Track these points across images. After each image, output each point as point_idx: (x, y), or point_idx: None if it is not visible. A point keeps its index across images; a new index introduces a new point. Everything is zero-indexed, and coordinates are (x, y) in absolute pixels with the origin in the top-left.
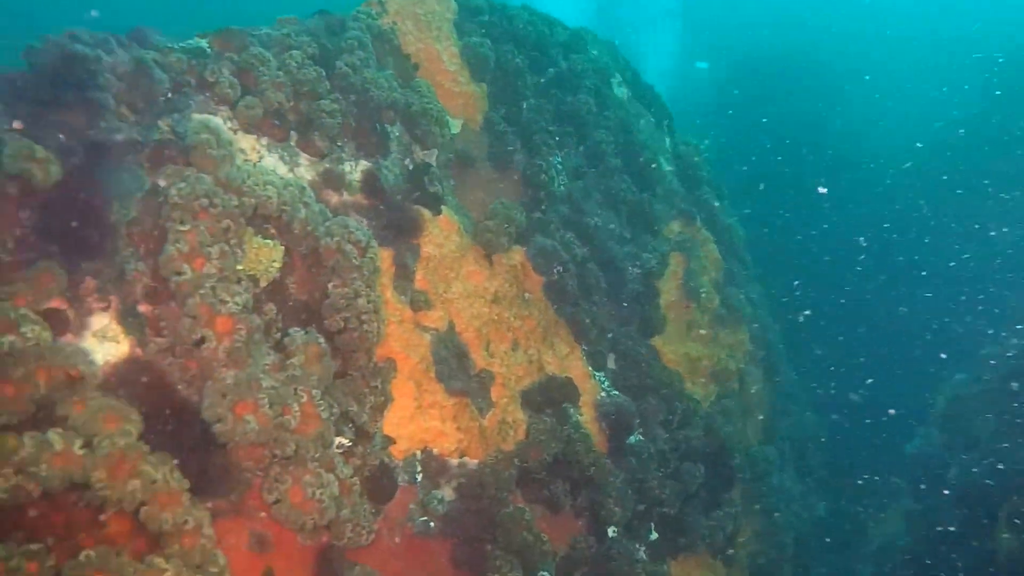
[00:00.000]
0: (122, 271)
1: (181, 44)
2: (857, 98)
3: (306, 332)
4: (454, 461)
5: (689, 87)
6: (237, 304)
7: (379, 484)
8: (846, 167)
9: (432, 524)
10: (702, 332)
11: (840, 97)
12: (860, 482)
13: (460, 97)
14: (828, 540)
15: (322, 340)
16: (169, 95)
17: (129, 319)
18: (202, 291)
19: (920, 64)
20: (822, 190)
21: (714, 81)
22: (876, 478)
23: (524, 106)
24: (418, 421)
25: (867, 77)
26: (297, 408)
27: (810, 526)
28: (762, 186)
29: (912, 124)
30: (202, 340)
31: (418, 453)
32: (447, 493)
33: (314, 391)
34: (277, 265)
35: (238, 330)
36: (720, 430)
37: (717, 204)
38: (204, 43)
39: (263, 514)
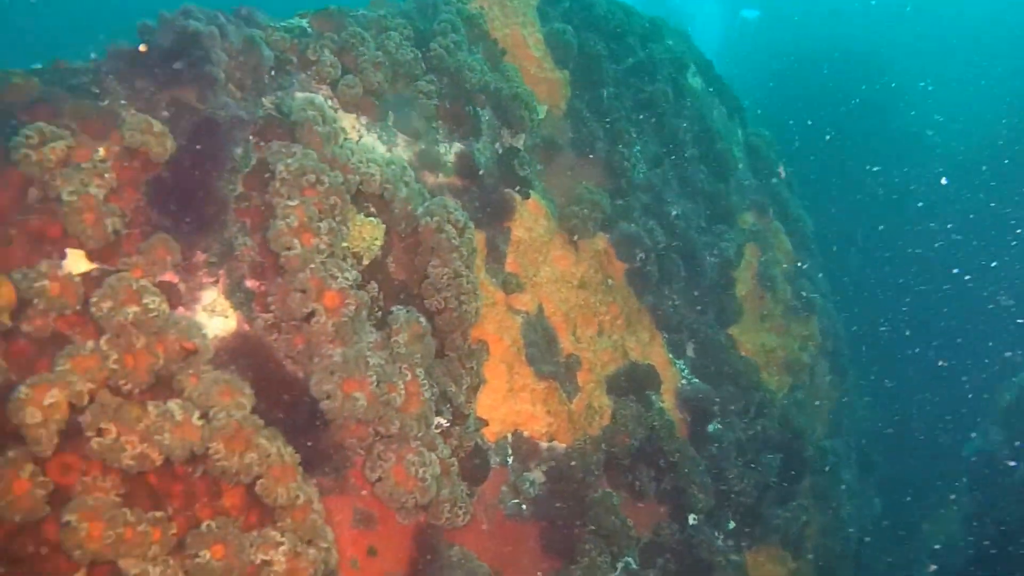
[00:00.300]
0: (230, 246)
1: (283, 23)
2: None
3: (408, 311)
4: (544, 444)
5: (733, 39)
6: (347, 279)
7: (474, 465)
8: (906, 157)
9: (524, 507)
10: (776, 323)
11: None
12: (917, 479)
13: (544, 83)
14: (885, 538)
15: (423, 319)
16: (272, 73)
17: (237, 294)
18: (313, 265)
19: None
20: (944, 181)
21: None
22: (934, 475)
23: (604, 94)
24: (510, 404)
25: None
26: (402, 386)
27: (868, 522)
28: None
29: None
30: (311, 315)
31: (509, 436)
32: (537, 476)
33: (417, 370)
34: (379, 243)
35: (347, 305)
36: (794, 421)
37: (788, 195)
38: (304, 23)
39: (364, 492)
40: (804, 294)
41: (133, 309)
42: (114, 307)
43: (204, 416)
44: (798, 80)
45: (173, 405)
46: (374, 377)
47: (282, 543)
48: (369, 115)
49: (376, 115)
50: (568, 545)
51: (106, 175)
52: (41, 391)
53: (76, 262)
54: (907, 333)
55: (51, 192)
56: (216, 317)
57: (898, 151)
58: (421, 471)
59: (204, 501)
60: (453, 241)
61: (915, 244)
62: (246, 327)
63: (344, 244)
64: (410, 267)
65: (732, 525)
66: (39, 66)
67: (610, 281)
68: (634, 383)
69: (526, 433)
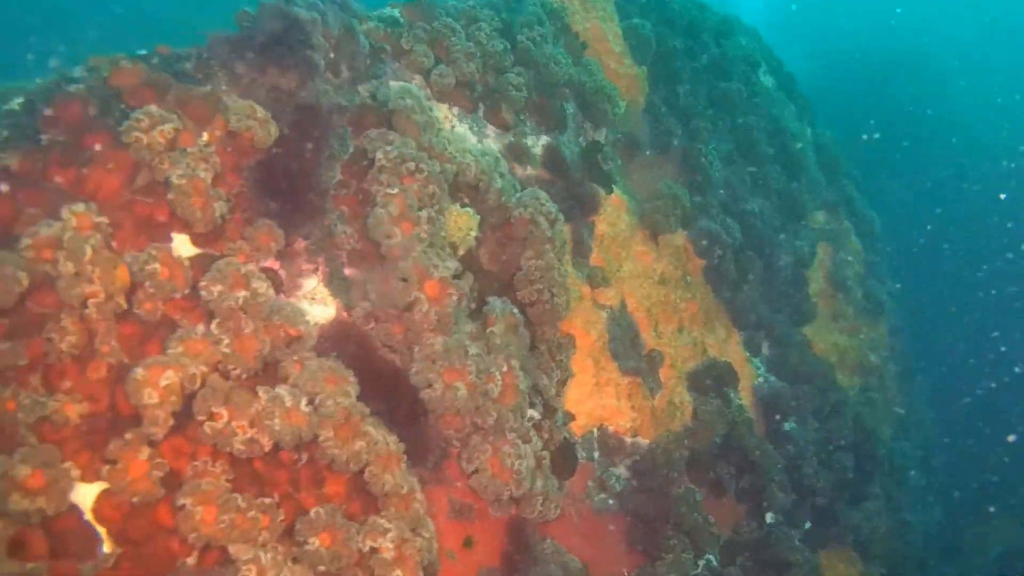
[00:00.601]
0: (330, 233)
1: (376, 12)
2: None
3: (503, 302)
4: (628, 440)
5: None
6: (448, 269)
7: (563, 459)
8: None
9: (610, 502)
10: (848, 323)
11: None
12: (977, 485)
13: (624, 78)
14: (946, 544)
15: (517, 311)
16: (367, 61)
17: (335, 282)
18: (415, 254)
19: None
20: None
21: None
22: (994, 479)
23: (680, 90)
24: (595, 398)
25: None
26: (499, 378)
27: (930, 527)
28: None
29: None
30: (412, 305)
31: (595, 430)
32: (621, 471)
33: (512, 361)
34: (474, 234)
35: (449, 295)
36: (866, 422)
37: (856, 195)
38: (396, 12)
39: (459, 483)
40: (873, 295)
41: (242, 294)
42: (224, 292)
43: (310, 403)
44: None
45: (282, 391)
46: (473, 367)
47: (389, 530)
48: (461, 105)
49: (468, 105)
50: (652, 541)
51: (211, 159)
52: (156, 372)
53: (182, 246)
54: (972, 338)
55: (159, 176)
56: (316, 304)
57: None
58: (517, 463)
59: (308, 489)
60: (546, 233)
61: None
62: (345, 315)
63: (442, 234)
64: (502, 258)
65: (808, 525)
66: (143, 52)
67: (689, 278)
68: (714, 380)
69: (611, 428)
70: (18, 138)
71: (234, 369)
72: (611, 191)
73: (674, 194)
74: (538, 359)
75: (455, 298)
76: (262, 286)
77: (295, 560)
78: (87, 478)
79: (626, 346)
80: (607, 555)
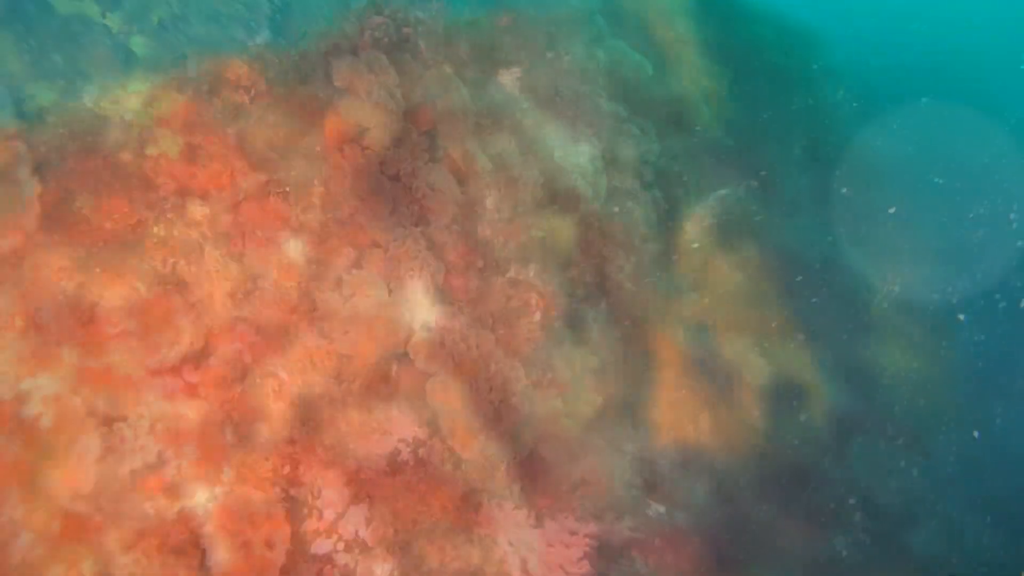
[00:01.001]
0: (435, 239)
1: (476, 17)
2: None
3: (597, 311)
4: (706, 454)
5: None
6: (551, 278)
7: (646, 474)
8: None
9: (686, 518)
10: (915, 341)
11: None
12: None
13: (703, 87)
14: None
15: (611, 320)
16: (470, 65)
17: (440, 289)
18: (520, 263)
19: None
20: None
21: None
22: None
23: (758, 101)
24: (675, 411)
25: None
26: (594, 389)
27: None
28: None
29: None
30: (518, 313)
31: (673, 443)
32: (699, 487)
33: (608, 371)
34: (571, 241)
35: (554, 304)
36: (931, 443)
37: None
38: (495, 18)
39: (546, 496)
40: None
41: (352, 299)
42: (335, 297)
43: (421, 414)
44: None
45: (394, 404)
46: (571, 377)
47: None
48: (558, 112)
49: (564, 112)
50: (729, 559)
51: (326, 161)
52: (273, 381)
53: (295, 247)
54: None
55: (272, 176)
56: (421, 310)
57: None
58: (608, 476)
59: (419, 500)
60: (635, 243)
61: None
62: (449, 323)
63: (543, 241)
64: (596, 266)
65: (877, 547)
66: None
67: (766, 291)
68: (788, 396)
69: (689, 441)
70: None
71: (348, 376)
72: (693, 201)
73: (752, 207)
74: (628, 369)
75: (559, 306)
76: (374, 291)
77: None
78: (206, 483)
79: (705, 359)
80: (684, 572)
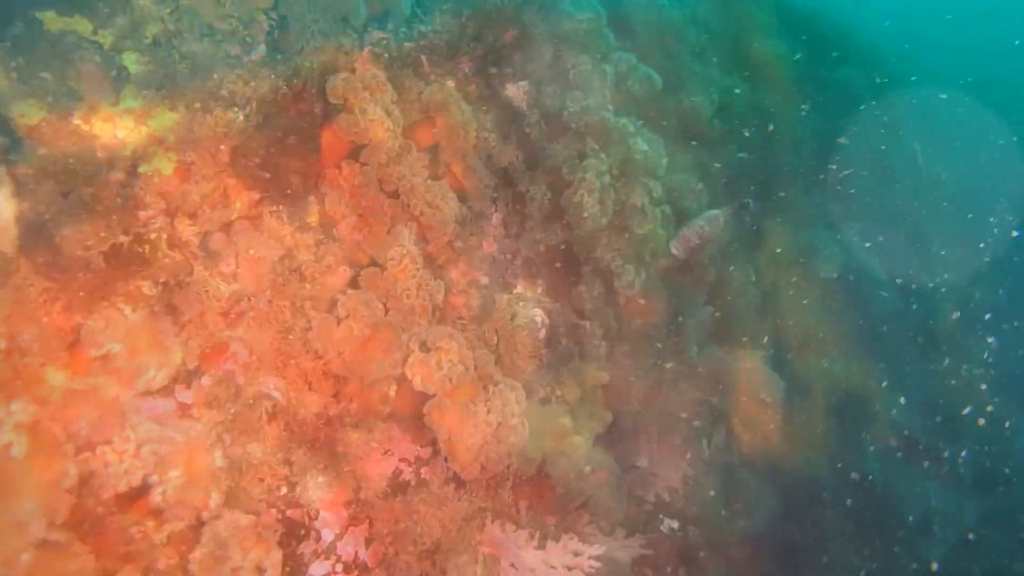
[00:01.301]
0: (532, 242)
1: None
2: None
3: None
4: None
5: None
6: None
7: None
8: None
9: (753, 526)
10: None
11: None
12: None
13: (773, 103)
14: None
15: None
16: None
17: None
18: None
19: None
20: None
21: None
22: None
23: (824, 120)
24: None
25: None
26: None
27: None
28: None
29: None
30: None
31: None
32: (768, 498)
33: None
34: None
35: (656, 311)
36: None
37: None
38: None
39: None
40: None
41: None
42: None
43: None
44: None
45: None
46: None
47: None
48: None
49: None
50: (790, 567)
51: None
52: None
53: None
54: None
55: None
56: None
57: None
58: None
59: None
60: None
61: None
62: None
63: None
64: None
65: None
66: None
67: (833, 308)
68: (853, 410)
69: (755, 452)
70: None
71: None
72: (769, 220)
73: (826, 229)
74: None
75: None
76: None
77: None
78: (322, 472)
79: (777, 372)
80: None
